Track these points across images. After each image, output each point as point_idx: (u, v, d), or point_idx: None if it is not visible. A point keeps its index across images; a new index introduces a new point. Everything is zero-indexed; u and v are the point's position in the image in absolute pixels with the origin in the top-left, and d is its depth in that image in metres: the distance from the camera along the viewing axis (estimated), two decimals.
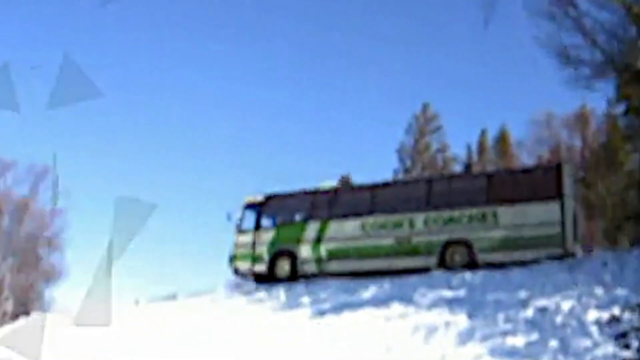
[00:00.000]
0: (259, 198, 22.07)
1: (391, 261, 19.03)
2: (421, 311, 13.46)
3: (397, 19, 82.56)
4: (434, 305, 13.79)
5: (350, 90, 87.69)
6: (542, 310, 12.10)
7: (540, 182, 18.44)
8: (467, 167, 49.35)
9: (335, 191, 21.77)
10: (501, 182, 19.61)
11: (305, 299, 16.48)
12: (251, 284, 21.39)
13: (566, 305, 11.99)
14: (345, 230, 20.18)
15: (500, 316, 12.13)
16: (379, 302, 14.74)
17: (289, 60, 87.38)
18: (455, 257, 18.34)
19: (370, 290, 16.14)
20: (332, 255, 20.08)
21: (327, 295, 16.68)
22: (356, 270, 19.18)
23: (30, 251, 53.85)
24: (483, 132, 50.61)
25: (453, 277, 16.45)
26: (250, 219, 21.95)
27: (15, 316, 43.64)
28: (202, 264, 79.13)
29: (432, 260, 18.44)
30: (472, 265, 17.80)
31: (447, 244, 18.48)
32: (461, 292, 14.63)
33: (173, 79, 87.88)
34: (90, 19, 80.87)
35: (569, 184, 17.96)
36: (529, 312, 12.10)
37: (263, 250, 21.14)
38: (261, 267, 21.09)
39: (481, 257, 18.00)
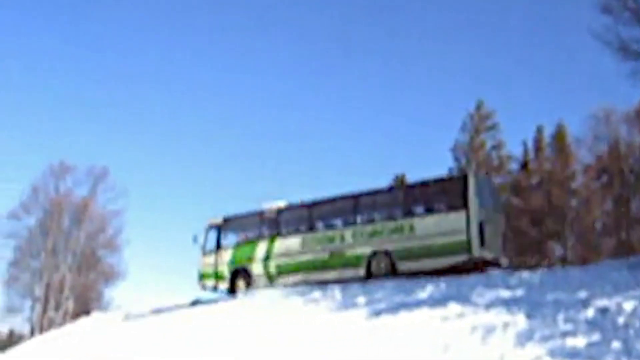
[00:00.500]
0: (218, 220, 24.65)
1: (328, 273, 21.03)
2: (479, 311, 13.27)
3: (450, 15, 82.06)
4: (491, 305, 13.59)
5: (406, 89, 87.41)
6: (603, 310, 11.81)
7: (449, 193, 19.87)
8: (524, 165, 48.68)
9: (278, 211, 23.33)
10: (415, 194, 21.13)
11: (361, 299, 16.43)
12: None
13: (628, 305, 11.68)
14: (289, 247, 22.25)
15: (560, 316, 11.87)
16: (436, 302, 14.60)
17: (345, 61, 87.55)
18: (380, 266, 20.16)
19: (426, 290, 16.01)
20: (280, 271, 22.31)
21: (382, 295, 16.61)
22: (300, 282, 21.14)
23: (90, 252, 54.88)
24: (539, 129, 49.74)
25: (511, 276, 16.39)
26: (212, 239, 24.52)
27: (75, 315, 44.57)
28: None
29: (362, 271, 20.44)
30: (392, 273, 19.73)
31: (372, 255, 20.34)
32: (519, 292, 14.40)
33: (242, 82, 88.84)
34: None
35: (475, 193, 19.02)
36: (590, 313, 11.82)
37: (224, 269, 23.74)
38: (224, 284, 23.70)
39: (400, 266, 19.82)
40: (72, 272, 53.27)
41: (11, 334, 75.42)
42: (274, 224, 23.09)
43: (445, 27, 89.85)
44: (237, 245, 23.90)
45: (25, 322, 54.72)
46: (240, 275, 23.18)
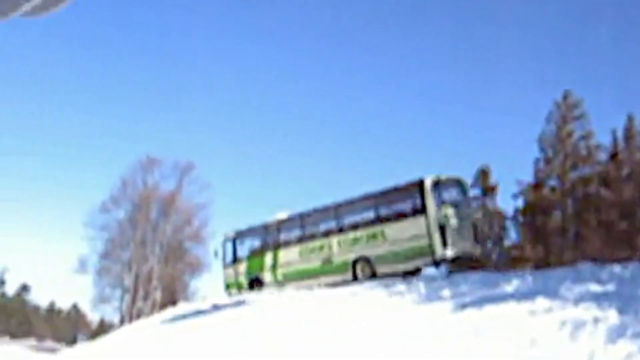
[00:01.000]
0: (232, 234, 27.33)
1: (324, 278, 22.86)
2: (567, 306, 12.96)
3: (535, 3, 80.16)
4: (580, 299, 13.25)
5: (492, 79, 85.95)
6: None
7: (410, 200, 21.13)
8: (613, 155, 47.22)
9: (279, 223, 25.66)
10: (384, 202, 22.25)
11: (446, 292, 16.30)
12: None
13: None
14: (290, 256, 24.44)
15: None
16: (522, 295, 14.34)
17: (430, 52, 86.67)
18: (363, 271, 21.91)
19: (512, 284, 15.76)
20: (286, 278, 24.46)
21: (468, 288, 16.44)
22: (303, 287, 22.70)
23: (177, 244, 56.10)
24: (630, 118, 48.10)
25: (601, 270, 15.94)
26: (229, 252, 27.17)
27: (163, 305, 45.69)
28: None
29: (349, 275, 22.24)
30: (373, 276, 21.41)
31: (356, 261, 22.08)
32: (610, 287, 14.01)
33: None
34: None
35: (434, 197, 20.35)
36: None
37: (243, 279, 26.30)
38: (247, 291, 25.75)
39: (379, 270, 21.54)
40: (159, 263, 54.61)
41: (102, 322, 78.00)
42: (277, 235, 25.37)
43: (531, 15, 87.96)
44: (250, 256, 26.30)
45: (115, 311, 56.56)
46: (256, 284, 25.75)
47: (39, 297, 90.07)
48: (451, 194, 21.55)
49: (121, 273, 55.59)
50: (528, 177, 46.56)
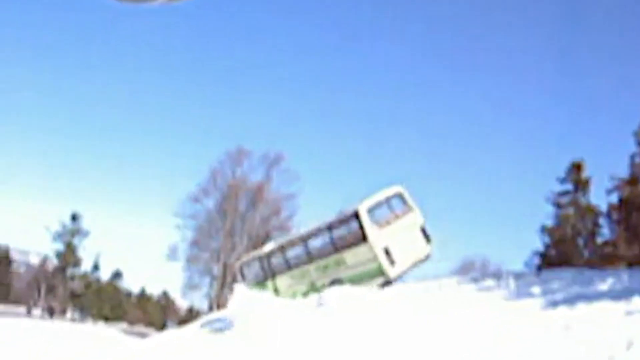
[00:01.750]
0: (239, 262, 30.14)
1: None
2: None
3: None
4: None
5: (586, 73, 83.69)
6: None
7: (354, 228, 22.86)
8: None
9: (270, 253, 27.90)
10: (338, 232, 24.05)
11: (536, 289, 15.93)
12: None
13: None
14: (285, 283, 26.40)
15: None
16: (617, 294, 13.87)
17: (525, 50, 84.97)
18: None
19: (607, 282, 15.28)
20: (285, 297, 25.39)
21: (559, 285, 16.03)
22: None
23: (264, 234, 56.70)
24: None
25: None
26: (241, 277, 29.15)
27: None
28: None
29: None
30: None
31: (332, 283, 23.20)
32: None
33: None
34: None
35: (371, 223, 22.27)
36: None
37: None
38: None
39: None
40: (247, 252, 55.34)
41: (190, 309, 79.71)
42: (269, 263, 27.51)
43: (622, 11, 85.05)
44: (255, 283, 27.75)
45: (204, 298, 57.67)
46: None
47: (131, 283, 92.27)
48: (393, 208, 23.42)
49: (210, 261, 56.64)
50: (623, 173, 45.04)
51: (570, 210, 25.23)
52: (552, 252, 25.02)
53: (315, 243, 25.52)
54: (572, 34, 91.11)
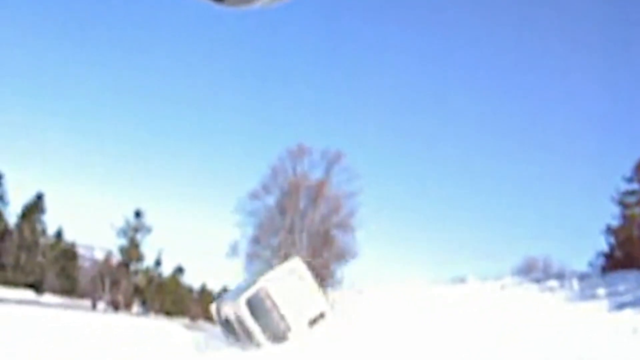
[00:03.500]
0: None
1: None
2: None
3: None
4: None
5: None
6: None
7: None
8: None
9: None
10: None
11: (601, 291, 15.66)
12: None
13: None
14: None
15: None
16: None
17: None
18: None
19: None
20: None
21: (625, 287, 15.71)
22: None
23: (324, 232, 56.88)
24: None
25: None
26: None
27: None
28: (489, 243, 78.45)
29: None
30: None
31: None
32: None
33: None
34: None
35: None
36: None
37: None
38: None
39: None
40: (307, 250, 55.56)
41: None
42: None
43: None
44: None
45: None
46: None
47: (193, 279, 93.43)
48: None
49: (270, 258, 56.99)
50: None
51: (637, 210, 24.58)
52: (618, 253, 24.44)
53: None
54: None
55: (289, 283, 21.31)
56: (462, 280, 21.50)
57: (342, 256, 57.38)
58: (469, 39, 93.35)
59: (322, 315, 20.19)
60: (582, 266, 20.45)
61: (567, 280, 17.67)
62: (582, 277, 17.79)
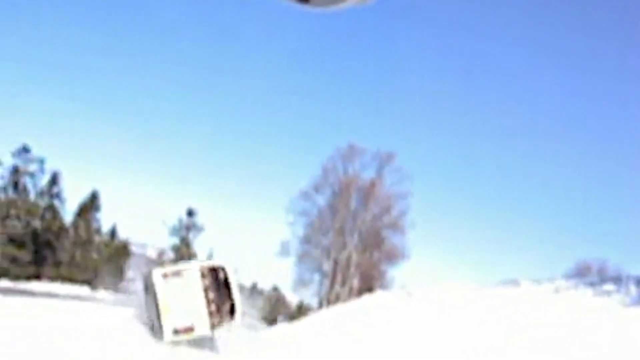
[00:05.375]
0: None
1: None
2: None
3: None
4: None
5: None
6: None
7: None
8: None
9: None
10: None
11: None
12: None
13: None
14: None
15: None
16: None
17: None
18: None
19: None
20: None
21: None
22: None
23: (375, 232, 56.73)
24: None
25: None
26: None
27: (360, 292, 46.41)
28: (541, 246, 77.35)
29: None
30: None
31: None
32: None
33: None
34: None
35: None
36: None
37: None
38: None
39: None
40: (357, 250, 55.47)
41: (300, 305, 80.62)
42: None
43: None
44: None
45: (314, 295, 58.21)
46: None
47: (243, 277, 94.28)
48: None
49: (320, 258, 57.09)
50: None
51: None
52: None
53: None
54: None
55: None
56: (515, 282, 21.16)
57: (393, 257, 57.27)
58: (538, 38, 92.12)
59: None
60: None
61: (623, 284, 17.23)
62: (639, 281, 17.34)
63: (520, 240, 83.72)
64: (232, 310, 18.41)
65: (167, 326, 16.94)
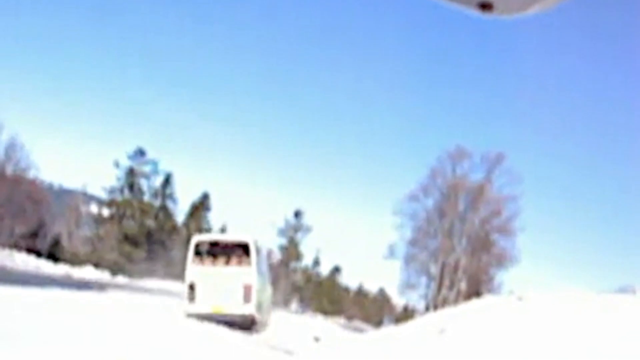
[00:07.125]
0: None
1: None
2: None
3: None
4: None
5: None
6: None
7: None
8: None
9: None
10: None
11: None
12: None
13: None
14: None
15: None
16: None
17: None
18: None
19: None
20: None
21: None
22: None
23: (484, 235, 55.75)
24: None
25: None
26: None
27: (468, 296, 45.64)
28: None
29: None
30: None
31: None
32: None
33: None
34: None
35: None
36: None
37: None
38: None
39: None
40: (466, 254, 54.67)
41: (406, 308, 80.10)
42: None
43: None
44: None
45: (420, 298, 57.77)
46: None
47: (349, 279, 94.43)
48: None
49: (428, 261, 56.60)
50: None
51: None
52: None
53: None
54: None
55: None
56: (632, 290, 20.20)
57: (502, 261, 56.08)
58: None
59: None
60: None
61: None
62: None
63: (638, 245, 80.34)
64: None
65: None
